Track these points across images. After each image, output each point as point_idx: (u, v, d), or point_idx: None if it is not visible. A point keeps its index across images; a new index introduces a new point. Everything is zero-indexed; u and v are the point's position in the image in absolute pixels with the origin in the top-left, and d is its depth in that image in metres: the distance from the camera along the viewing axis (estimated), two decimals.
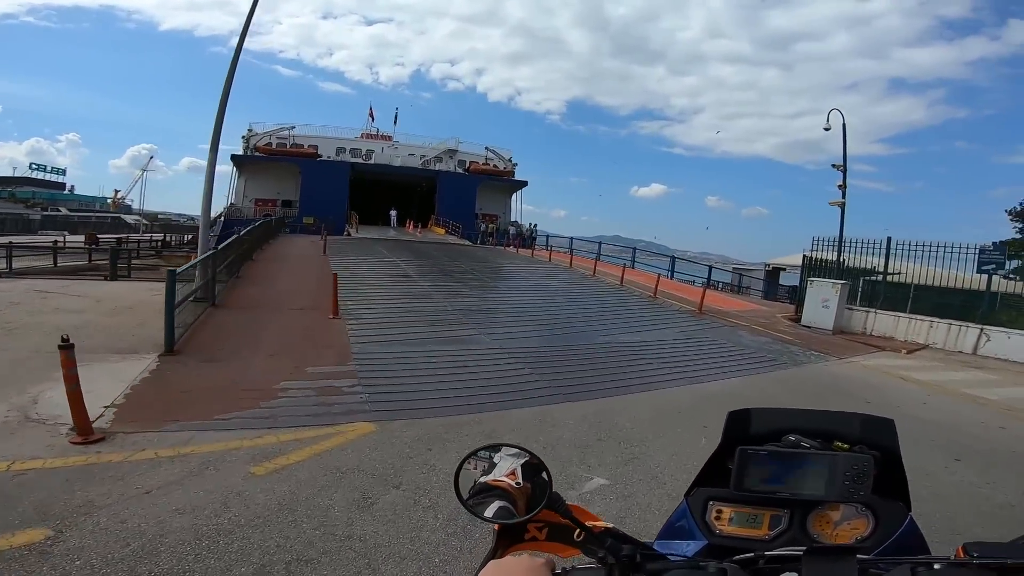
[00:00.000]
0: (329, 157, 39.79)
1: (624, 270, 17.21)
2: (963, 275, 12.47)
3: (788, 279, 31.59)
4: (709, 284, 22.81)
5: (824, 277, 13.46)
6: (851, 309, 13.30)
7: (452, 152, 43.44)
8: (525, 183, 44.28)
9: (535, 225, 36.51)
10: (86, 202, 72.88)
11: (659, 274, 18.50)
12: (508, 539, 0.89)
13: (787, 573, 0.76)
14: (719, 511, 0.98)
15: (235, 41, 10.80)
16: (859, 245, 13.51)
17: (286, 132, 39.91)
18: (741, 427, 1.05)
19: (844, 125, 14.16)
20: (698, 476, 1.06)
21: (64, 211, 61.92)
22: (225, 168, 39.26)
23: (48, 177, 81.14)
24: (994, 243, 12.26)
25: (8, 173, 79.74)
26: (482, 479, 0.89)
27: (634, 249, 23.65)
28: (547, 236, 30.24)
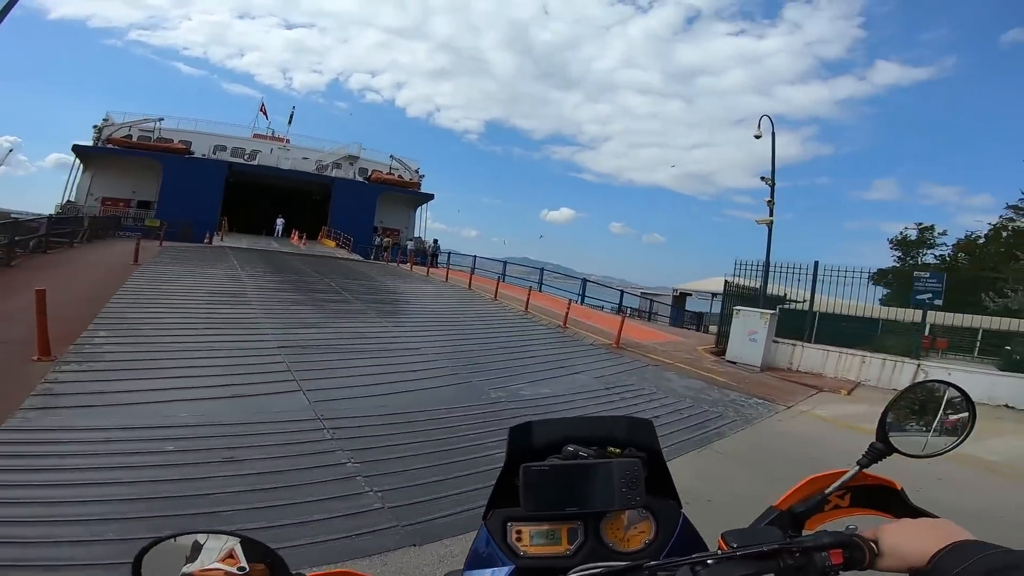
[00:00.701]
0: (204, 155, 34.43)
1: (530, 293, 14.76)
2: (868, 303, 11.60)
3: (694, 304, 31.30)
4: (620, 310, 21.16)
5: (746, 305, 11.83)
6: (777, 342, 11.73)
7: (352, 159, 39.57)
8: (431, 196, 41.32)
9: (436, 241, 33.44)
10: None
11: (569, 299, 16.34)
12: None
13: None
14: (519, 532, 0.98)
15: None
16: (785, 270, 12.10)
17: (152, 124, 34.00)
18: (524, 442, 1.05)
19: (773, 134, 12.83)
20: (491, 497, 1.03)
21: None
22: (68, 160, 32.74)
23: None
24: (930, 271, 11.20)
25: None
26: (186, 569, 0.72)
27: (541, 270, 21.51)
28: (449, 254, 27.40)
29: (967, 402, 0.95)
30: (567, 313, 12.53)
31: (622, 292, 22.12)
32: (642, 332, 14.32)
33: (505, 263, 22.20)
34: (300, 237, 32.01)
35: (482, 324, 11.50)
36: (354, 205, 35.94)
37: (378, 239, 31.59)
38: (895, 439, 0.92)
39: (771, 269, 12.03)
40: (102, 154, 32.18)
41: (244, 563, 0.73)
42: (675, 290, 28.41)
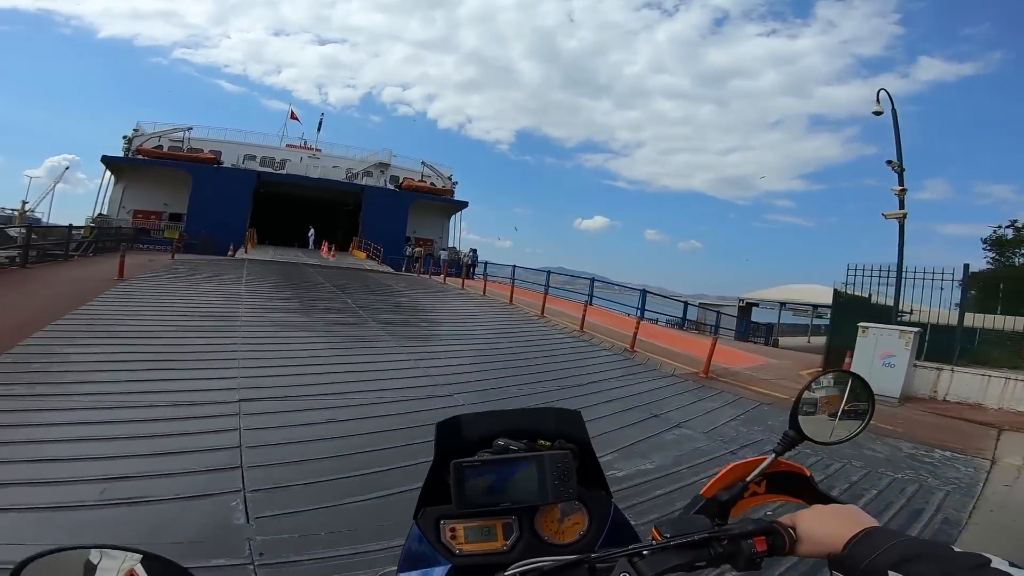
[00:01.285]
0: (234, 165, 33.49)
1: (586, 308, 12.24)
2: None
3: (760, 315, 28.16)
4: (683, 324, 18.33)
5: (862, 320, 9.05)
6: (917, 366, 8.92)
7: (383, 166, 38.07)
8: (464, 204, 39.34)
9: (474, 251, 30.54)
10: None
11: (628, 314, 13.77)
12: None
13: None
14: (452, 529, 0.95)
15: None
16: (924, 276, 9.21)
17: (180, 134, 33.29)
18: (452, 437, 1.01)
19: (894, 110, 9.99)
20: (421, 495, 0.99)
21: None
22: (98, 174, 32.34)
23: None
24: None
25: None
26: None
27: (592, 280, 19.01)
28: (486, 264, 25.15)
29: (867, 391, 1.01)
30: (635, 333, 9.96)
31: (685, 304, 19.21)
32: (725, 354, 11.59)
33: (548, 273, 19.73)
34: (330, 249, 30.49)
35: (531, 351, 9.03)
36: (385, 214, 34.30)
37: (409, 249, 29.50)
38: (805, 427, 0.96)
39: (912, 274, 9.14)
40: (132, 165, 31.54)
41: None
42: (741, 300, 25.27)
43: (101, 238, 24.76)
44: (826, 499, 0.93)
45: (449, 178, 40.31)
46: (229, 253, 22.83)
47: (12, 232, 20.47)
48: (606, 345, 9.94)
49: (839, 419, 1.00)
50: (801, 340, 22.84)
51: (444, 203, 38.39)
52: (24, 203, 33.95)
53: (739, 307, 24.89)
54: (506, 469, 0.92)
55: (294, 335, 8.08)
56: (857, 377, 1.02)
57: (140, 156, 31.74)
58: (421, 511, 0.98)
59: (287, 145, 37.21)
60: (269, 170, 34.00)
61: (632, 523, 1.03)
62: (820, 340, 17.18)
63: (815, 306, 26.02)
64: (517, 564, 0.82)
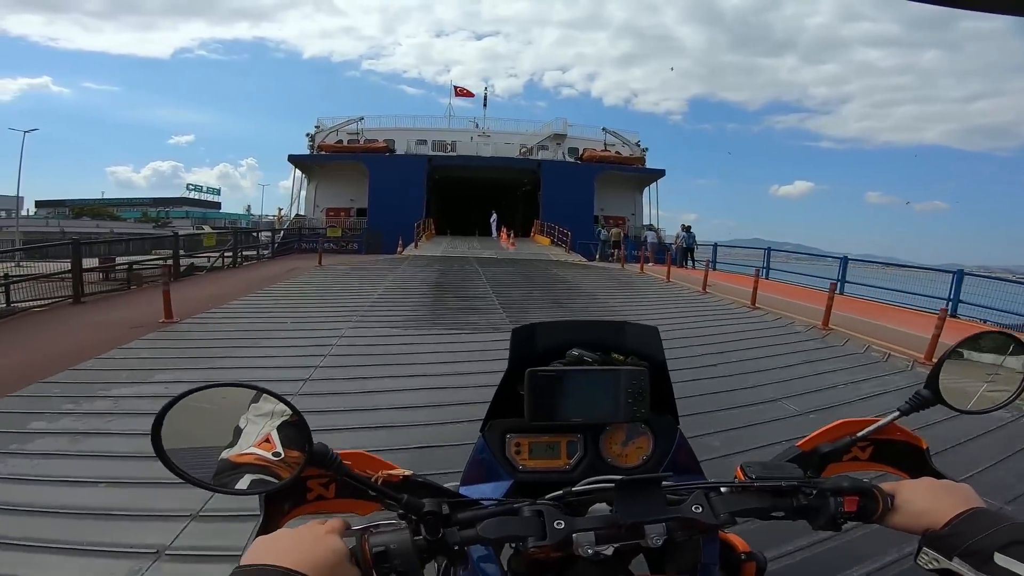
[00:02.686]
0: (406, 152, 31.42)
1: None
2: None
3: None
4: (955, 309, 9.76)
5: None
6: None
7: (559, 137, 32.99)
8: (661, 172, 32.33)
9: (689, 229, 21.47)
10: (232, 220, 75.61)
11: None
12: (287, 503, 0.83)
13: (597, 504, 0.76)
14: (518, 444, 0.95)
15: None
16: None
17: (355, 126, 32.20)
18: (527, 345, 1.00)
19: None
20: (491, 406, 0.98)
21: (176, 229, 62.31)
22: (288, 173, 32.81)
23: (204, 197, 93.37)
24: None
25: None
26: (225, 455, 0.67)
27: (844, 258, 11.74)
28: (715, 246, 18.30)
29: None
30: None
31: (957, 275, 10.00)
32: None
33: (845, 259, 12.39)
34: (508, 236, 26.50)
35: None
36: (568, 191, 29.20)
37: (602, 230, 23.69)
38: (945, 389, 0.84)
39: None
40: (318, 163, 31.13)
41: (280, 448, 0.68)
42: None
43: (288, 240, 23.93)
44: (938, 477, 0.80)
45: (637, 144, 33.70)
46: (398, 251, 19.80)
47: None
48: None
49: (988, 386, 0.87)
50: None
51: (635, 173, 31.96)
52: (280, 209, 36.03)
53: None
54: (580, 381, 0.90)
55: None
56: (1019, 342, 0.86)
57: (322, 152, 31.16)
58: (489, 423, 0.98)
59: (472, 128, 34.37)
60: (440, 153, 31.18)
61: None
62: None
63: None
64: (589, 479, 0.79)
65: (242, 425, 0.68)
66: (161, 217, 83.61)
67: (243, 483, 0.66)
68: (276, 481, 0.68)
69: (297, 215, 31.79)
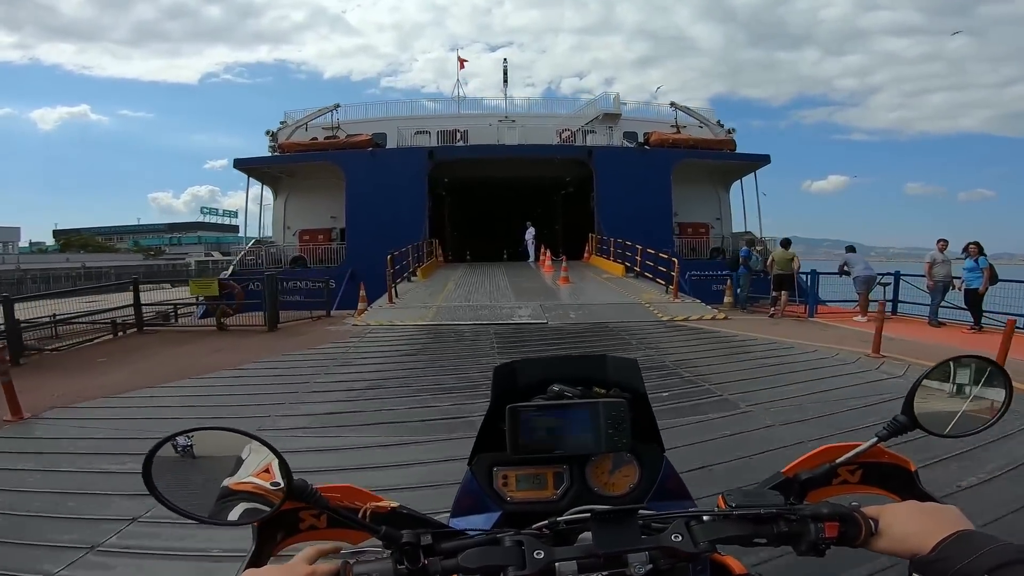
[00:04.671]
0: (401, 146, 22.37)
1: None
2: None
3: None
4: None
5: None
6: None
7: (612, 118, 23.53)
8: (765, 159, 22.68)
9: (851, 250, 10.86)
10: (247, 243, 67.26)
11: None
12: (279, 533, 0.87)
13: (585, 532, 0.77)
14: (505, 476, 0.98)
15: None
16: None
17: (327, 117, 23.27)
18: (509, 382, 1.03)
19: None
20: (476, 441, 1.01)
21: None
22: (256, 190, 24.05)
23: (220, 220, 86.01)
24: None
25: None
26: (227, 482, 0.76)
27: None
28: (897, 280, 9.17)
29: (1005, 382, 0.89)
30: None
31: None
32: None
33: None
34: (550, 259, 17.07)
35: None
36: (634, 190, 19.85)
37: (751, 252, 12.16)
38: (922, 414, 0.86)
39: None
40: (268, 166, 22.21)
41: (279, 478, 0.75)
42: None
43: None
44: (927, 499, 0.81)
45: (719, 124, 24.12)
46: (357, 313, 10.39)
47: None
48: None
49: (965, 410, 0.89)
50: None
51: (728, 162, 22.36)
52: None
53: None
54: (560, 415, 0.91)
55: None
56: (996, 366, 0.90)
57: (283, 153, 22.29)
58: (476, 457, 1.01)
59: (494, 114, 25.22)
60: (446, 145, 22.01)
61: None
62: None
63: None
64: (570, 511, 0.80)
65: (232, 464, 0.75)
66: (164, 245, 77.07)
67: (234, 514, 0.73)
68: (267, 510, 0.74)
69: (257, 242, 23.03)
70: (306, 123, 23.45)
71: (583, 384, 1.01)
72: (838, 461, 0.89)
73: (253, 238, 23.64)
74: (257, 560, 0.82)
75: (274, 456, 0.75)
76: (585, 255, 19.89)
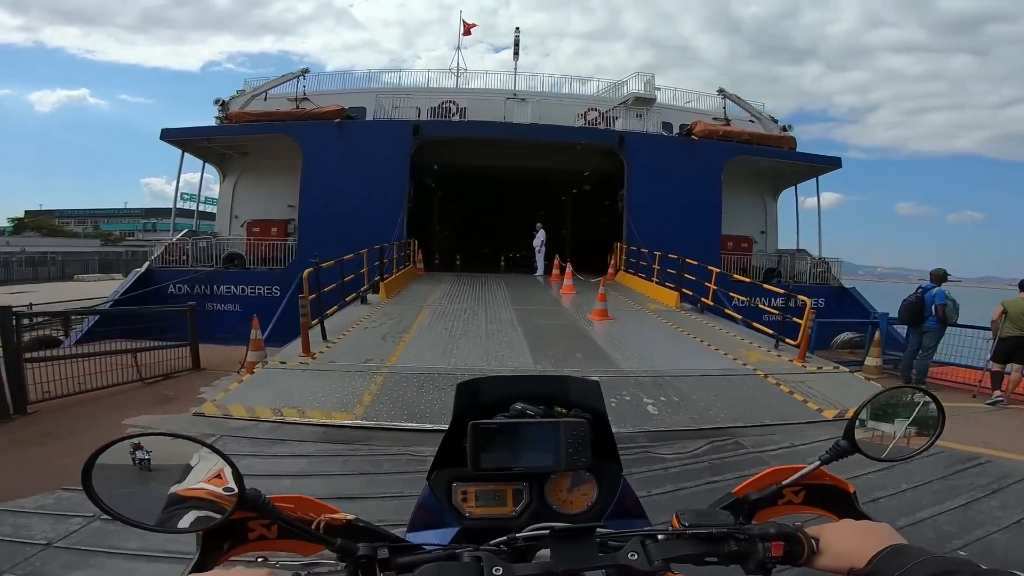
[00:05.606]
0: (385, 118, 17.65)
1: None
2: None
3: None
4: None
5: None
6: None
7: (645, 103, 18.94)
8: (835, 162, 18.32)
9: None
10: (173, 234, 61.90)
11: None
12: (226, 542, 0.82)
13: (543, 550, 0.76)
14: (464, 492, 0.98)
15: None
16: None
17: (293, 86, 18.53)
18: (471, 399, 1.03)
19: None
20: (437, 456, 1.01)
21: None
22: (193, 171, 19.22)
23: (204, 208, 78.50)
24: None
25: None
26: (175, 489, 0.73)
27: None
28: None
29: (939, 411, 0.94)
30: None
31: None
32: None
33: None
34: (571, 277, 12.39)
35: None
36: (676, 190, 15.43)
37: (948, 298, 7.02)
38: (861, 440, 0.91)
39: None
40: (198, 139, 17.39)
41: (232, 483, 0.72)
42: None
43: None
44: (863, 519, 0.84)
45: (773, 120, 19.70)
46: (239, 376, 5.74)
47: None
48: None
49: (901, 436, 0.94)
50: None
51: (793, 163, 17.98)
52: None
53: None
54: (522, 433, 0.92)
55: None
56: (931, 396, 0.95)
57: (230, 123, 17.50)
58: (435, 472, 1.01)
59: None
60: (437, 120, 17.31)
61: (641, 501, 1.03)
62: None
63: None
64: (529, 528, 0.79)
65: (181, 471, 0.72)
66: (139, 230, 71.34)
67: (183, 522, 0.70)
68: (217, 517, 0.71)
69: (190, 232, 18.30)
70: (266, 91, 18.73)
71: (545, 403, 1.02)
72: (784, 483, 0.91)
73: (185, 227, 18.83)
74: (200, 568, 0.76)
75: (225, 463, 0.72)
76: (611, 268, 15.30)
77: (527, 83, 19.67)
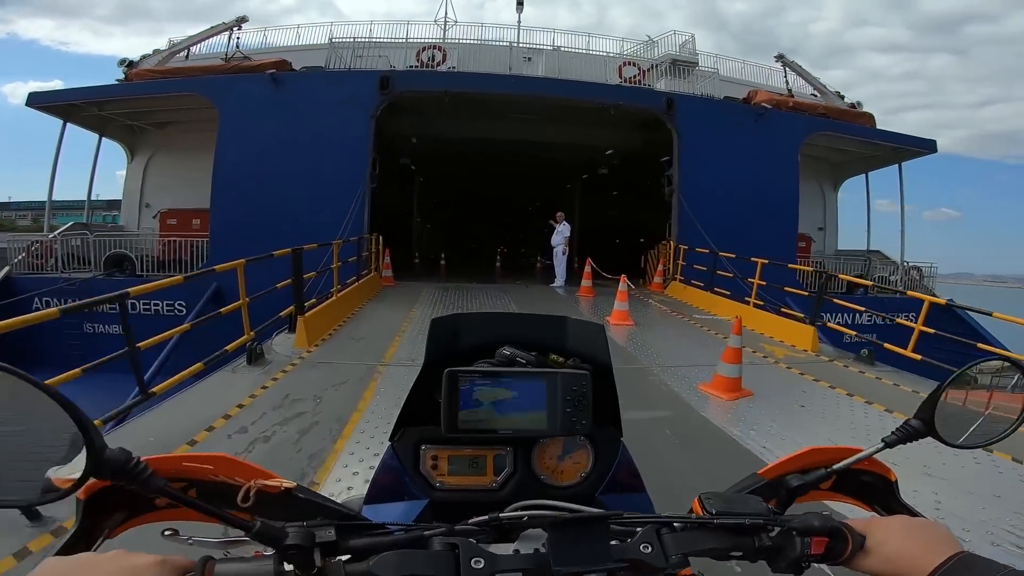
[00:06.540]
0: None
1: None
2: None
3: None
4: None
5: None
6: None
7: (686, 66, 14.69)
8: (930, 144, 14.35)
9: None
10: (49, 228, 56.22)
11: None
12: (121, 512, 0.65)
13: (531, 529, 0.62)
14: (435, 457, 0.81)
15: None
16: None
17: (228, 41, 13.91)
18: (448, 340, 0.84)
19: None
20: (402, 412, 0.82)
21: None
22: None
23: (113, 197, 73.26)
24: None
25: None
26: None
27: None
28: None
29: None
30: None
31: None
32: None
33: None
34: (619, 299, 8.08)
35: None
36: (745, 174, 11.25)
37: None
38: (940, 421, 0.73)
39: None
40: (101, 106, 12.67)
41: (81, 449, 0.53)
42: None
43: None
44: (907, 512, 0.74)
45: (839, 95, 15.64)
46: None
47: None
48: None
49: (985, 418, 0.76)
50: None
51: (883, 144, 13.97)
52: None
53: None
54: (510, 385, 0.76)
55: None
56: (1021, 367, 0.74)
57: (130, 80, 12.78)
58: (400, 431, 0.84)
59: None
60: (412, 69, 12.75)
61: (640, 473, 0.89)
62: None
63: None
64: (517, 505, 0.65)
65: (23, 422, 0.55)
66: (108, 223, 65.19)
67: (15, 493, 0.54)
68: (59, 491, 0.53)
69: (76, 225, 13.60)
70: (187, 47, 14.19)
71: (539, 349, 0.85)
72: (834, 468, 0.75)
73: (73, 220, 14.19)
74: (76, 542, 0.60)
75: (70, 418, 0.51)
76: (654, 279, 10.98)
77: (534, 40, 15.23)
